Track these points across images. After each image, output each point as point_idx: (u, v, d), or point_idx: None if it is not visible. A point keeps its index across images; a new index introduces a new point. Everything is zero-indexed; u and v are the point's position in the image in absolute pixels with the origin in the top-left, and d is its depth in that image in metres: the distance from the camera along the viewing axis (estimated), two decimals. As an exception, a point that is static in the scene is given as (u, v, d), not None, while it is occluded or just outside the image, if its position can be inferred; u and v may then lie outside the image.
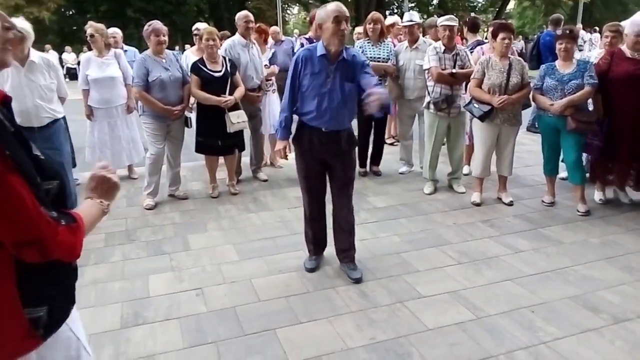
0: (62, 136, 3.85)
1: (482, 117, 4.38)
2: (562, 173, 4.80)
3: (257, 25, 5.52)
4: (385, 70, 5.14)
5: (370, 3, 28.16)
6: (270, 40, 6.09)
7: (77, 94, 5.11)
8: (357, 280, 3.19)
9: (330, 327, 2.72)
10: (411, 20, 5.25)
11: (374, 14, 5.35)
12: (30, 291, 1.20)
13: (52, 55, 15.66)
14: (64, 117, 3.96)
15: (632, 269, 3.35)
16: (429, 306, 2.91)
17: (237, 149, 4.95)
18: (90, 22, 5.02)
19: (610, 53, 4.30)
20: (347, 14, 2.91)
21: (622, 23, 4.47)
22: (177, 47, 19.73)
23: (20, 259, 1.14)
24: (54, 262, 1.18)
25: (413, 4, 32.58)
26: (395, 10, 33.07)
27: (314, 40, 4.84)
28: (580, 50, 8.14)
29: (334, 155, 3.14)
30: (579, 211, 4.31)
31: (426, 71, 4.78)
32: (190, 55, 5.44)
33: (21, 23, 3.43)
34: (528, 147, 6.53)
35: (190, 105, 4.79)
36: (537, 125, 5.28)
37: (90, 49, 5.13)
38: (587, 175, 4.64)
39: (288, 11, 38.40)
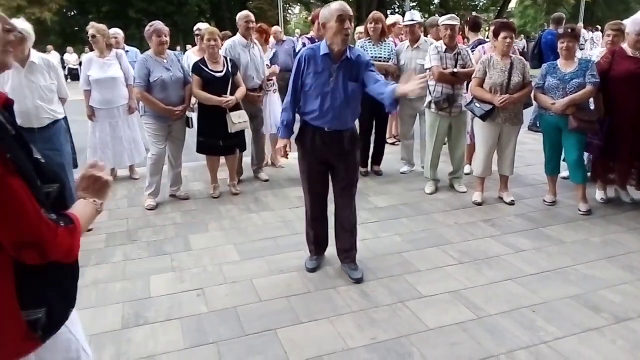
0: (62, 137, 3.85)
1: (484, 117, 4.37)
2: (564, 172, 4.80)
3: (259, 25, 5.53)
4: (387, 70, 5.13)
5: (371, 3, 28.12)
6: (272, 40, 6.10)
7: (79, 95, 5.12)
8: (358, 281, 3.19)
9: (331, 327, 2.72)
10: (412, 20, 5.25)
11: (375, 14, 5.35)
12: (29, 293, 1.21)
13: (54, 56, 15.71)
14: (64, 118, 3.97)
15: (634, 268, 3.34)
16: (430, 306, 2.91)
17: (238, 149, 4.95)
18: (92, 23, 5.02)
19: (612, 52, 4.29)
20: (351, 13, 2.90)
21: (624, 22, 4.45)
22: (178, 48, 19.77)
23: (20, 260, 1.15)
24: (52, 263, 1.18)
25: (414, 4, 32.54)
26: (397, 10, 33.05)
27: (316, 40, 4.84)
28: (581, 50, 8.13)
29: (337, 155, 3.13)
30: (580, 210, 4.30)
31: (428, 70, 4.77)
32: (191, 56, 5.44)
33: (22, 24, 3.43)
34: (529, 146, 6.52)
35: (191, 106, 4.80)
36: (538, 125, 5.28)
37: (92, 50, 5.13)
38: (589, 174, 4.63)
39: (289, 11, 38.42)
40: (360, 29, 6.63)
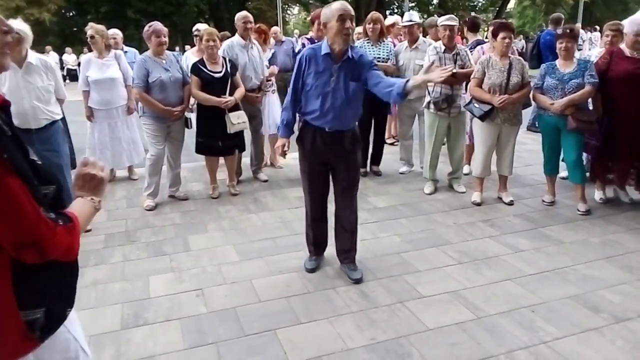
0: (60, 138, 3.84)
1: (483, 117, 4.37)
2: (563, 172, 4.80)
3: (257, 25, 5.52)
4: (385, 71, 5.09)
5: (370, 3, 28.13)
6: (272, 41, 6.09)
7: (78, 95, 5.11)
8: (358, 281, 3.19)
9: (330, 327, 2.72)
10: (410, 20, 5.25)
11: (374, 14, 5.35)
12: (27, 293, 1.20)
13: (52, 57, 15.71)
14: (62, 119, 3.96)
15: (633, 268, 3.34)
16: (429, 306, 2.91)
17: (237, 150, 4.95)
18: (90, 24, 5.02)
19: (610, 52, 4.30)
20: (352, 12, 2.89)
21: (623, 22, 4.46)
22: (177, 48, 19.74)
23: (20, 260, 1.14)
24: (51, 263, 1.18)
25: (413, 4, 32.56)
26: (396, 10, 33.07)
27: (316, 41, 4.84)
28: (579, 50, 8.14)
29: (338, 155, 3.12)
30: (579, 210, 4.31)
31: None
32: (190, 56, 5.44)
33: (19, 24, 3.42)
34: (528, 146, 6.53)
35: (190, 106, 4.79)
36: (537, 125, 5.28)
37: (90, 50, 5.13)
38: (588, 174, 4.64)
39: (288, 11, 38.44)
40: (359, 29, 6.62)
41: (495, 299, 2.98)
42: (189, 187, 5.19)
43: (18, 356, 1.23)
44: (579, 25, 15.51)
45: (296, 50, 5.97)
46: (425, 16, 26.79)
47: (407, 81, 2.83)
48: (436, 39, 5.18)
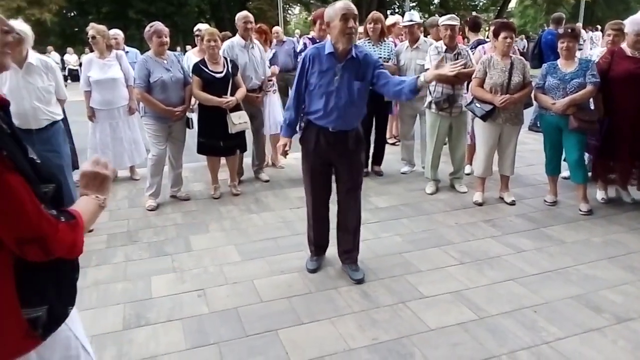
0: (61, 138, 3.85)
1: (484, 117, 4.37)
2: (564, 172, 4.80)
3: (258, 25, 5.52)
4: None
5: (371, 3, 28.10)
6: (274, 41, 6.09)
7: (79, 96, 5.13)
8: (359, 281, 3.18)
9: (332, 327, 2.72)
10: (411, 20, 5.25)
11: (374, 14, 5.34)
12: (29, 291, 1.21)
13: (53, 57, 15.72)
14: (63, 119, 3.96)
15: (635, 268, 3.33)
16: (431, 306, 2.91)
17: (238, 150, 4.95)
18: (91, 24, 5.03)
19: (611, 52, 4.29)
20: (356, 11, 2.87)
21: (624, 21, 4.45)
22: (178, 48, 19.75)
23: (23, 257, 1.14)
24: (53, 261, 1.18)
25: (414, 4, 32.56)
26: (397, 10, 33.07)
27: (317, 41, 4.83)
28: (580, 49, 8.12)
29: (341, 155, 3.10)
30: (581, 210, 4.30)
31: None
32: (191, 56, 5.44)
33: (19, 25, 3.42)
34: (530, 146, 6.52)
35: (191, 106, 4.79)
36: (539, 125, 5.28)
37: (91, 51, 5.14)
38: (589, 174, 4.63)
39: (289, 11, 38.42)
40: (360, 29, 6.62)
41: (497, 299, 2.98)
42: (191, 187, 5.19)
43: (20, 354, 1.23)
44: (580, 24, 15.50)
45: (297, 50, 5.97)
46: (426, 16, 26.77)
47: (418, 77, 2.85)
48: (437, 39, 5.18)
